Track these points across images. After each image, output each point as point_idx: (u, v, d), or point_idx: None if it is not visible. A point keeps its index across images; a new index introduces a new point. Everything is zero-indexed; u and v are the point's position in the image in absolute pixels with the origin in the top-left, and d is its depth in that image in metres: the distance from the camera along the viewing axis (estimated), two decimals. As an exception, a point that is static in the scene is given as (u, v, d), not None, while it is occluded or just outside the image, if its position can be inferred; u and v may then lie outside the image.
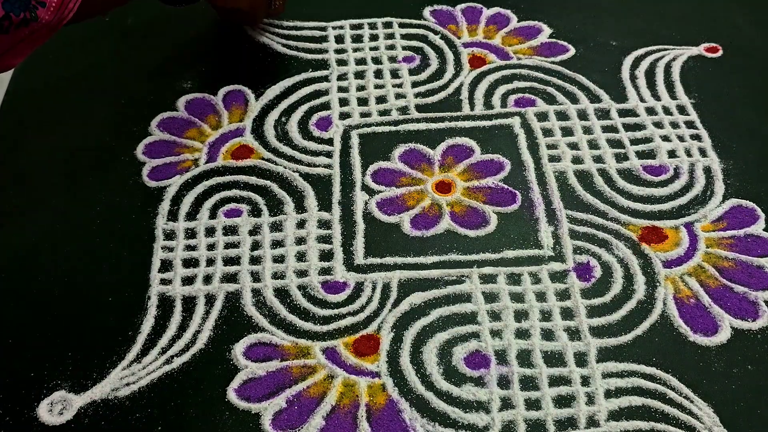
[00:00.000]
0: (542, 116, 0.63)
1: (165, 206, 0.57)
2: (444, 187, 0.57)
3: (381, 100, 0.65)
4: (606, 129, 0.62)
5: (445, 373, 0.47)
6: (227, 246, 0.54)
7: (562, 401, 0.45)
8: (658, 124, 0.62)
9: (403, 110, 0.64)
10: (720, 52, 0.68)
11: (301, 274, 0.52)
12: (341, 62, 0.68)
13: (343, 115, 0.64)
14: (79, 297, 0.52)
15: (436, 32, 0.71)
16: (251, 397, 0.46)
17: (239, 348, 0.48)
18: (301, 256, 0.53)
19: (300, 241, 0.54)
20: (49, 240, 0.56)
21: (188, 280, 0.52)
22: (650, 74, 0.66)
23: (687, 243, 0.53)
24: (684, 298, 0.50)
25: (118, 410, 0.46)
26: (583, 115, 0.63)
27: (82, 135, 0.63)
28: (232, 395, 0.46)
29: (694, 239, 0.54)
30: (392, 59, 0.68)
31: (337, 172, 0.59)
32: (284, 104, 0.65)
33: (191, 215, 0.57)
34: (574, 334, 0.49)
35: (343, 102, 0.65)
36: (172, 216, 0.57)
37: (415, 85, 0.66)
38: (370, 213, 0.56)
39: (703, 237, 0.54)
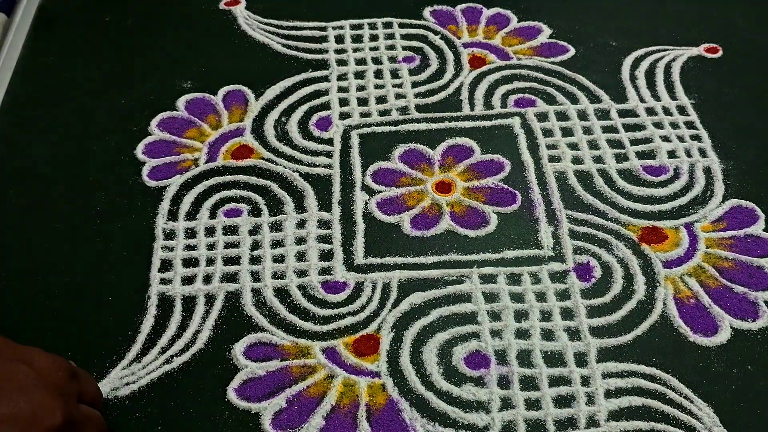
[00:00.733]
0: (542, 116, 0.63)
1: (165, 206, 0.57)
2: (444, 187, 0.57)
3: (381, 100, 0.65)
4: (606, 129, 0.62)
5: (445, 373, 0.47)
6: (227, 246, 0.54)
7: (562, 401, 0.45)
8: (658, 125, 0.62)
9: (403, 110, 0.64)
10: (720, 53, 0.68)
11: (301, 273, 0.52)
12: (341, 62, 0.68)
13: (343, 115, 0.64)
14: (78, 296, 0.52)
15: (436, 32, 0.71)
16: (251, 397, 0.46)
17: (239, 348, 0.48)
18: (301, 256, 0.53)
19: (300, 240, 0.54)
20: (49, 240, 0.56)
21: (188, 280, 0.52)
22: (650, 75, 0.66)
23: (687, 243, 0.53)
24: (684, 299, 0.50)
25: (117, 410, 0.46)
26: (583, 116, 0.63)
27: (81, 135, 0.63)
28: (231, 395, 0.46)
29: (694, 239, 0.54)
30: (392, 59, 0.68)
31: (337, 172, 0.59)
32: (284, 104, 0.65)
33: (191, 215, 0.57)
34: (574, 334, 0.49)
35: (343, 102, 0.65)
36: (172, 216, 0.56)
37: (415, 85, 0.66)
38: (370, 213, 0.56)
39: (703, 237, 0.54)
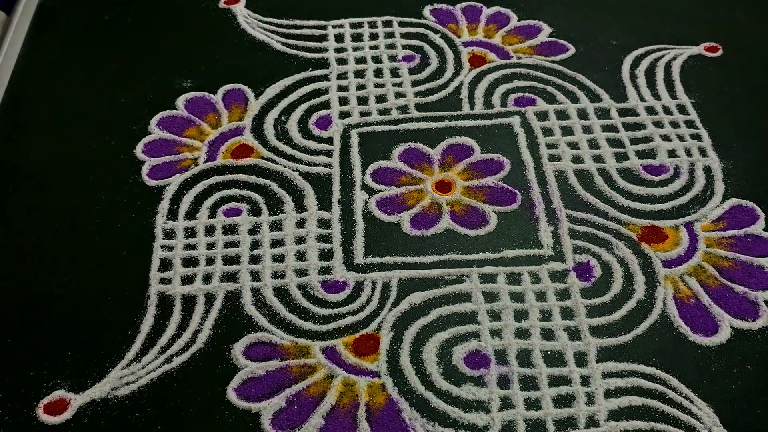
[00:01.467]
0: (542, 115, 0.63)
1: (164, 205, 0.57)
2: (444, 187, 0.57)
3: (381, 99, 0.65)
4: (606, 128, 0.61)
5: (445, 373, 0.47)
6: (227, 245, 0.54)
7: (562, 401, 0.45)
8: (658, 124, 0.62)
9: (403, 109, 0.64)
10: (720, 52, 0.68)
11: (301, 273, 0.52)
12: (341, 61, 0.68)
13: (343, 114, 0.64)
14: (78, 296, 0.52)
15: (436, 31, 0.71)
16: (251, 397, 0.46)
17: (239, 347, 0.48)
18: (300, 256, 0.53)
19: (300, 240, 0.54)
20: (49, 239, 0.55)
21: (188, 279, 0.52)
22: (650, 73, 0.66)
23: (687, 243, 0.53)
24: (684, 298, 0.50)
25: (117, 410, 0.46)
26: (583, 115, 0.63)
27: (82, 134, 0.63)
28: (231, 395, 0.46)
29: (694, 239, 0.54)
30: (392, 58, 0.68)
31: (336, 171, 0.59)
32: (284, 103, 0.65)
33: (191, 214, 0.56)
34: (574, 333, 0.48)
35: (343, 101, 0.65)
36: (172, 215, 0.56)
37: (414, 84, 0.66)
38: (370, 212, 0.56)
39: (703, 237, 0.54)
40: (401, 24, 0.72)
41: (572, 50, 0.69)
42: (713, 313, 0.49)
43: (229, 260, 0.53)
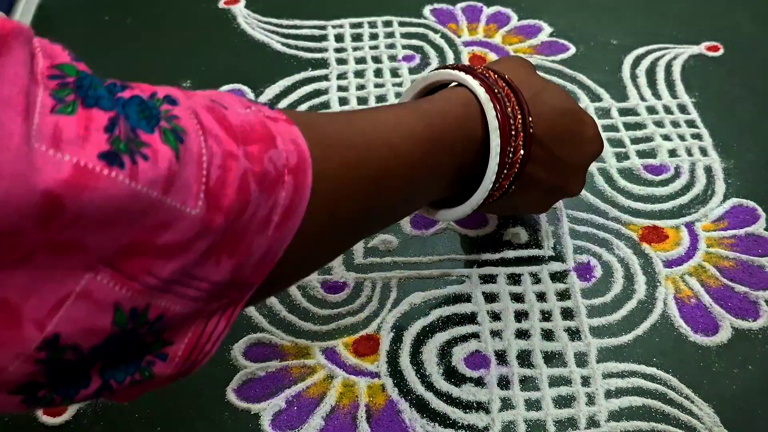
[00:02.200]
0: (542, 115, 0.63)
1: (164, 206, 0.57)
2: (444, 187, 0.57)
3: (381, 99, 0.65)
4: (606, 128, 0.61)
5: (445, 374, 0.47)
6: (227, 246, 0.54)
7: (562, 401, 0.45)
8: (659, 123, 0.62)
9: (403, 109, 0.64)
10: (721, 51, 0.68)
11: (301, 273, 0.52)
12: (341, 61, 0.68)
13: (343, 115, 0.64)
14: (78, 297, 0.52)
15: (436, 31, 0.71)
16: (251, 398, 0.46)
17: (238, 348, 0.48)
18: (300, 256, 0.53)
19: (300, 240, 0.54)
20: (49, 240, 0.55)
21: (188, 280, 0.52)
22: (651, 73, 0.66)
23: (688, 242, 0.53)
24: (684, 298, 0.50)
25: (117, 410, 0.46)
26: (583, 114, 0.62)
27: (81, 134, 0.63)
28: (231, 395, 0.46)
29: (694, 239, 0.54)
30: (392, 58, 0.68)
31: (336, 172, 0.59)
32: (284, 103, 0.65)
33: (191, 215, 0.56)
34: (574, 334, 0.48)
35: (343, 101, 0.65)
36: (172, 216, 0.56)
37: (415, 84, 0.66)
38: (370, 212, 0.56)
39: (703, 236, 0.54)
40: (401, 24, 0.72)
41: (572, 50, 0.69)
42: (714, 313, 0.49)
43: (228, 261, 0.53)
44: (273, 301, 0.51)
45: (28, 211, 0.22)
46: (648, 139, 0.61)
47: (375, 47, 0.69)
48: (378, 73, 0.67)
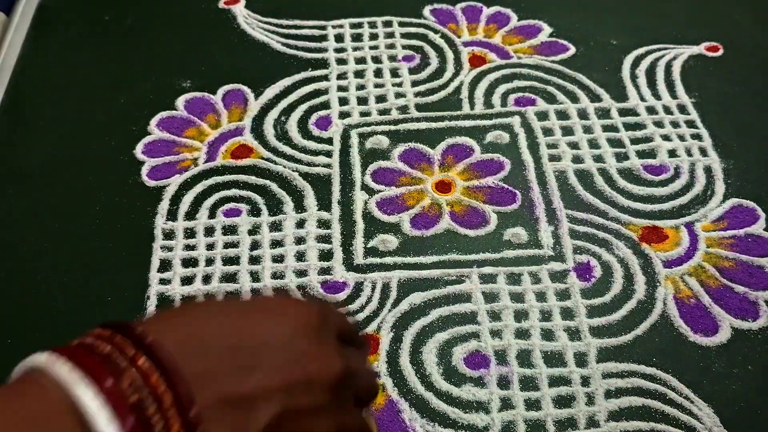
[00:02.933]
0: (542, 115, 0.63)
1: (164, 206, 0.57)
2: (444, 187, 0.57)
3: (381, 99, 0.65)
4: (606, 128, 0.61)
5: (445, 373, 0.47)
6: (226, 245, 0.54)
7: (562, 401, 0.45)
8: (659, 124, 0.62)
9: (403, 109, 0.64)
10: (720, 51, 0.68)
11: (301, 273, 0.52)
12: (341, 61, 0.68)
13: (343, 115, 0.64)
14: (78, 297, 0.52)
15: (436, 31, 0.71)
16: (250, 398, 0.46)
17: (238, 348, 0.48)
18: (300, 256, 0.53)
19: (299, 240, 0.54)
20: (49, 240, 0.55)
21: (187, 280, 0.52)
22: (651, 73, 0.66)
23: (687, 243, 0.53)
24: (684, 298, 0.50)
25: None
26: (583, 115, 0.62)
27: (81, 135, 0.63)
28: (231, 395, 0.46)
29: (694, 239, 0.54)
30: (392, 58, 0.68)
31: (336, 172, 0.59)
32: (284, 103, 0.65)
33: (190, 215, 0.56)
34: (574, 334, 0.48)
35: (343, 101, 0.65)
36: (172, 215, 0.56)
37: (414, 84, 0.66)
38: (370, 212, 0.56)
39: (703, 237, 0.54)
40: (401, 24, 0.72)
41: (572, 50, 0.69)
42: (713, 313, 0.49)
43: (228, 261, 0.53)
44: (273, 301, 0.51)
45: None
46: (648, 139, 0.61)
47: (375, 47, 0.69)
48: (378, 73, 0.67)
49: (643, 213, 0.55)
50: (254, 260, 0.53)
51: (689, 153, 0.60)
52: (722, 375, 0.46)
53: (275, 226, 0.55)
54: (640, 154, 0.59)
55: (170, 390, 0.22)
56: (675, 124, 0.62)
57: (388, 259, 0.53)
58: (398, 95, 0.65)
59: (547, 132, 0.61)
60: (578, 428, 0.44)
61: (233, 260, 0.53)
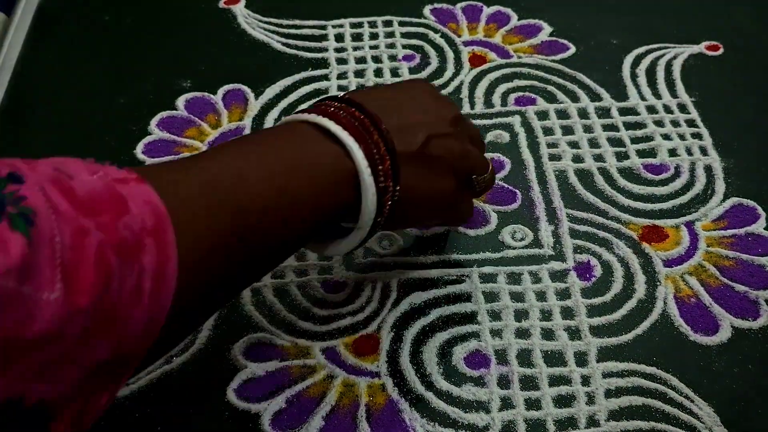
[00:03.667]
0: (542, 115, 0.63)
1: (164, 206, 0.57)
2: (444, 186, 0.57)
3: (381, 98, 0.65)
4: (606, 127, 0.61)
5: (445, 373, 0.47)
6: (227, 245, 0.54)
7: (562, 401, 0.45)
8: (659, 123, 0.62)
9: (403, 109, 0.64)
10: (721, 50, 0.68)
11: (301, 273, 0.52)
12: (341, 61, 0.68)
13: (343, 114, 0.63)
14: (78, 297, 0.52)
15: (436, 30, 0.71)
16: (251, 397, 0.46)
17: (238, 348, 0.48)
18: (300, 256, 0.53)
19: (300, 240, 0.54)
20: (49, 240, 0.55)
21: (188, 280, 0.52)
22: (651, 72, 0.66)
23: (688, 242, 0.53)
24: (684, 298, 0.50)
25: (117, 410, 0.46)
26: (583, 114, 0.62)
27: (81, 135, 0.63)
28: (231, 395, 0.46)
29: (694, 238, 0.54)
30: (392, 58, 0.68)
31: (336, 172, 0.59)
32: (284, 103, 0.65)
33: (191, 215, 0.56)
34: (574, 333, 0.48)
35: (343, 101, 0.65)
36: (172, 215, 0.56)
37: (415, 83, 0.66)
38: (370, 212, 0.56)
39: (703, 236, 0.54)
40: (401, 24, 0.72)
41: (572, 49, 0.69)
42: (714, 313, 0.49)
43: (229, 260, 0.53)
44: (273, 300, 0.51)
45: None
46: (648, 138, 0.61)
47: (375, 47, 0.69)
48: (378, 73, 0.67)
49: (643, 212, 0.55)
50: (254, 260, 0.53)
51: (689, 152, 0.60)
52: (722, 374, 0.46)
53: (275, 226, 0.55)
54: (641, 154, 0.59)
55: (382, 139, 0.39)
56: (675, 123, 0.62)
57: (388, 259, 0.53)
58: (398, 95, 0.65)
59: (548, 131, 0.61)
60: (578, 428, 0.44)
61: (233, 260, 0.53)
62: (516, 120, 0.62)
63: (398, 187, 0.40)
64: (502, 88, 0.65)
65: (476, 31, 0.71)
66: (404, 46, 0.69)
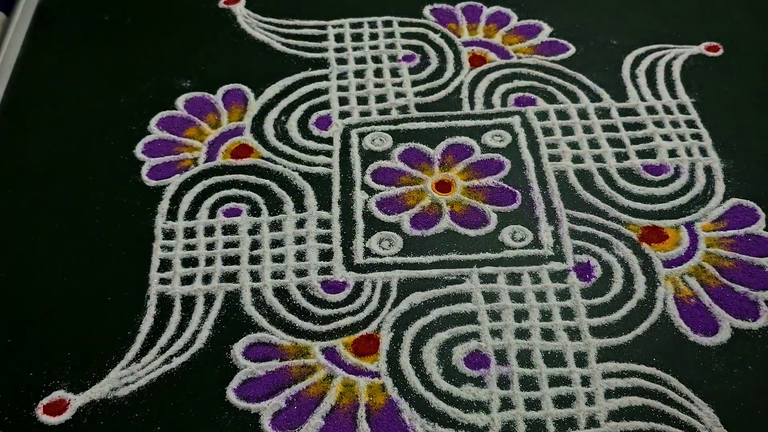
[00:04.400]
0: (542, 115, 0.63)
1: (164, 205, 0.57)
2: (444, 187, 0.57)
3: (381, 99, 0.65)
4: (606, 128, 0.61)
5: (445, 373, 0.47)
6: (226, 245, 0.54)
7: (562, 401, 0.45)
8: (659, 123, 0.62)
9: (403, 109, 0.64)
10: (721, 51, 0.68)
11: (301, 273, 0.52)
12: (341, 61, 0.68)
13: (343, 114, 0.64)
14: (78, 297, 0.52)
15: (436, 31, 0.71)
16: (250, 397, 0.46)
17: (238, 348, 0.48)
18: (300, 256, 0.53)
19: (299, 240, 0.54)
20: (49, 239, 0.55)
21: (187, 280, 0.52)
22: (651, 73, 0.66)
23: (687, 242, 0.53)
24: (684, 298, 0.50)
25: (117, 410, 0.46)
26: (583, 114, 0.62)
27: (81, 135, 0.63)
28: (231, 395, 0.46)
29: (694, 239, 0.54)
30: (392, 58, 0.68)
31: (336, 171, 0.59)
32: (284, 103, 0.65)
33: (190, 214, 0.56)
34: (574, 334, 0.48)
35: (343, 101, 0.65)
36: (172, 215, 0.56)
37: (414, 84, 0.66)
38: (370, 212, 0.56)
39: (703, 236, 0.54)
40: (401, 24, 0.72)
41: (572, 50, 0.69)
42: (714, 313, 0.49)
43: (228, 260, 0.53)
44: (273, 300, 0.51)
45: None
46: (648, 139, 0.61)
47: (375, 47, 0.69)
48: (378, 73, 0.67)
49: (643, 213, 0.55)
50: (254, 260, 0.53)
51: (689, 153, 0.60)
52: (722, 375, 0.46)
53: (275, 226, 0.55)
54: (640, 154, 0.59)
55: None
56: (675, 124, 0.62)
57: (388, 259, 0.53)
58: (398, 95, 0.65)
59: (547, 132, 0.61)
60: (578, 428, 0.44)
61: (233, 260, 0.53)
62: (516, 120, 0.62)
63: None
64: (502, 88, 0.65)
65: (476, 31, 0.71)
66: (404, 47, 0.69)
